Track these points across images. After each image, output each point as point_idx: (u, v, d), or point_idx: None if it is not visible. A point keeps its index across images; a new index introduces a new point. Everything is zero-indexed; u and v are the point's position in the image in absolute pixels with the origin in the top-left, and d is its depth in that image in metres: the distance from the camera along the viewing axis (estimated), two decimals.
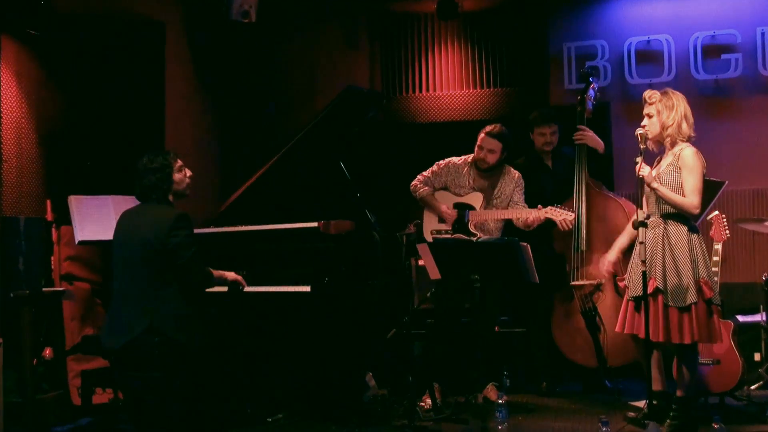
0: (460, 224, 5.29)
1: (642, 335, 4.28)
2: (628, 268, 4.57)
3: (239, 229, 5.17)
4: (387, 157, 6.74)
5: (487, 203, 5.37)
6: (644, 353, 4.37)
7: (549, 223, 5.35)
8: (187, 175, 4.35)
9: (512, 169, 5.46)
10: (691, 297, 4.27)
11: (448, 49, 6.88)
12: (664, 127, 4.36)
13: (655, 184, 4.33)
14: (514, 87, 6.73)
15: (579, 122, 5.55)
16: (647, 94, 4.46)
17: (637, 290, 4.34)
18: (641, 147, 4.32)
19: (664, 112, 4.38)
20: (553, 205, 5.14)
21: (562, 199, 5.41)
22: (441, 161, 5.55)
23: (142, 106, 5.98)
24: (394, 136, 6.85)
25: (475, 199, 5.39)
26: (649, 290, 4.26)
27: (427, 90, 6.92)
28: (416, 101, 6.93)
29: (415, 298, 5.31)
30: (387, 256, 5.09)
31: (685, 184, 4.33)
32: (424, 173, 5.55)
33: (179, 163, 4.30)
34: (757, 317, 5.32)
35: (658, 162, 4.51)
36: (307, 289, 4.68)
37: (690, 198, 4.30)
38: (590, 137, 5.48)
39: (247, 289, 4.66)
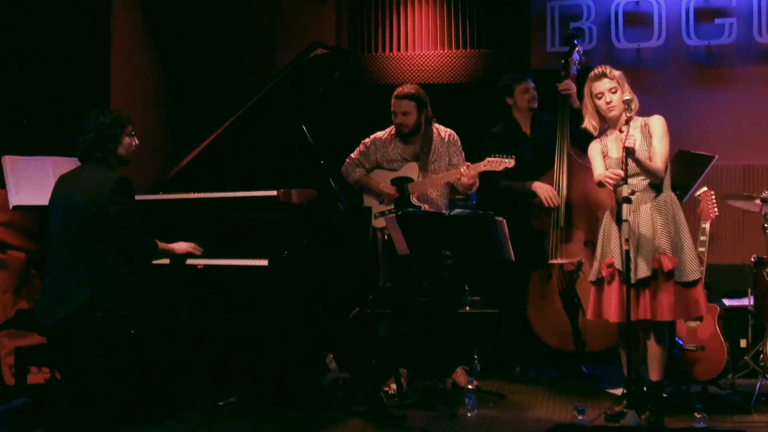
0: (401, 200, 5.30)
1: (632, 317, 4.33)
2: (606, 251, 4.55)
3: (191, 196, 5.12)
4: (354, 121, 6.71)
5: (425, 171, 5.37)
6: (627, 337, 4.44)
7: (527, 195, 5.39)
8: (135, 143, 4.34)
9: (442, 128, 5.45)
10: (698, 270, 4.45)
11: (422, 4, 6.84)
12: (626, 102, 4.42)
13: (638, 155, 4.38)
14: (493, 48, 6.72)
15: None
16: (605, 68, 4.52)
17: (639, 272, 4.36)
18: (627, 115, 4.37)
19: (625, 85, 4.54)
20: (492, 156, 5.12)
21: (542, 170, 5.45)
22: (366, 139, 5.55)
23: (84, 58, 5.88)
24: (361, 98, 6.82)
25: (411, 170, 5.38)
26: (660, 267, 4.36)
27: (398, 49, 6.89)
28: (386, 61, 6.91)
29: (381, 275, 5.33)
30: (352, 229, 5.09)
31: (658, 150, 4.47)
32: (352, 155, 5.54)
33: (130, 127, 4.28)
34: (744, 301, 5.42)
35: (606, 135, 4.64)
36: (264, 262, 4.66)
37: (661, 165, 4.47)
38: (575, 94, 5.48)
39: (199, 262, 4.65)
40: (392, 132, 5.47)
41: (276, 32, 7.00)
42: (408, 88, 5.39)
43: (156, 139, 6.53)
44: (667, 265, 4.36)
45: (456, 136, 5.44)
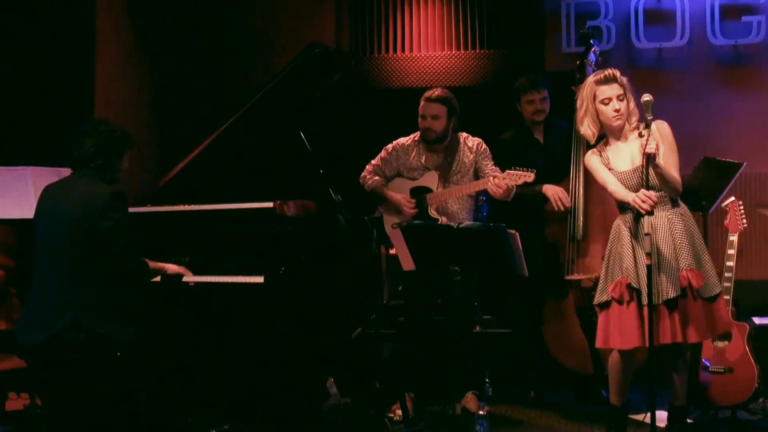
0: (419, 212, 5.29)
1: (655, 342, 4.29)
2: (617, 270, 4.50)
3: (181, 208, 5.12)
4: (355, 128, 6.72)
5: (445, 181, 5.37)
6: (651, 363, 4.39)
7: (538, 200, 5.37)
8: (125, 165, 4.37)
9: (470, 137, 5.46)
10: (719, 283, 4.41)
11: (427, 2, 6.86)
12: (646, 104, 4.37)
13: (659, 161, 4.34)
14: (504, 49, 6.74)
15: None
16: (615, 72, 4.46)
17: (666, 293, 4.31)
18: (648, 118, 4.30)
19: (630, 94, 4.46)
20: (512, 169, 5.07)
21: (556, 180, 5.44)
22: (389, 145, 5.53)
23: (67, 63, 5.90)
24: (363, 103, 6.84)
25: (431, 180, 5.38)
26: (687, 284, 4.30)
27: (403, 50, 6.90)
28: (390, 63, 6.92)
29: (385, 293, 5.32)
30: (354, 244, 5.08)
31: (671, 158, 4.40)
32: (373, 162, 5.54)
33: (130, 152, 4.33)
34: None
35: (604, 146, 4.54)
36: (260, 279, 4.65)
37: (678, 175, 4.40)
38: None
39: (190, 279, 4.64)
40: (416, 138, 5.47)
41: (273, 34, 7.02)
42: (440, 92, 5.39)
43: (144, 148, 6.53)
44: (698, 282, 4.31)
45: (484, 146, 5.44)
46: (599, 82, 4.43)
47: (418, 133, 5.47)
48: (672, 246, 4.35)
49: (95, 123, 4.32)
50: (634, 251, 4.37)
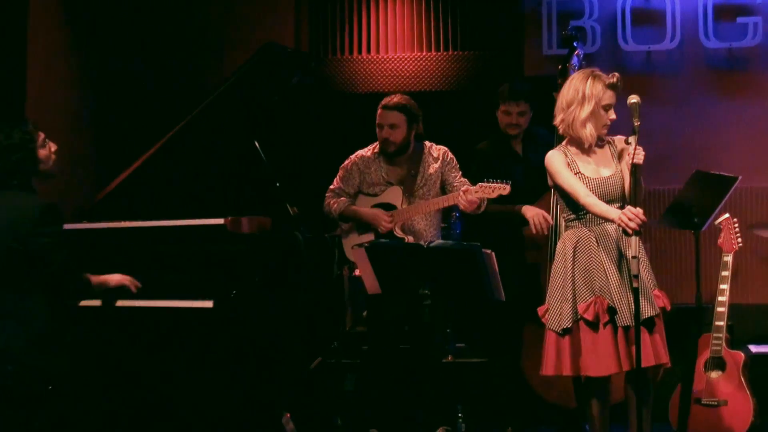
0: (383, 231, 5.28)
1: (626, 367, 4.32)
2: (586, 290, 4.50)
3: (122, 225, 5.09)
4: (316, 136, 6.72)
5: (410, 196, 5.37)
6: (637, 389, 4.42)
7: (516, 221, 5.39)
8: (52, 150, 4.31)
9: (435, 146, 5.46)
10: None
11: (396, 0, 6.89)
12: (634, 106, 4.37)
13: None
14: (480, 51, 6.76)
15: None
16: (619, 77, 4.46)
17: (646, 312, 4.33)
18: (635, 124, 4.30)
19: None
20: (485, 181, 5.09)
21: (537, 194, 5.45)
22: (346, 160, 5.50)
23: None
24: (325, 108, 6.83)
25: (394, 195, 5.36)
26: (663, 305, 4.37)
27: (368, 52, 6.91)
28: (354, 65, 6.93)
29: (347, 318, 5.31)
30: (313, 264, 5.07)
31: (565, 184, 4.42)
32: (332, 185, 5.49)
33: (42, 136, 4.25)
34: None
35: (568, 147, 4.51)
36: (209, 304, 4.63)
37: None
38: None
39: (133, 303, 4.60)
40: (376, 150, 5.46)
41: (226, 32, 7.00)
42: (398, 98, 5.38)
43: (80, 158, 6.48)
44: (666, 301, 4.39)
45: (450, 154, 5.43)
46: (610, 86, 4.39)
47: (377, 144, 5.45)
48: (645, 263, 4.39)
49: None
50: (605, 268, 4.37)
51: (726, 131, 6.37)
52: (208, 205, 4.99)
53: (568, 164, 4.44)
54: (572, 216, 4.47)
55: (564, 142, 4.53)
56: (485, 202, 5.19)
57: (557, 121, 4.49)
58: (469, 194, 5.11)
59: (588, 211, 4.37)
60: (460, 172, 5.41)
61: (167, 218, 4.97)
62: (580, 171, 4.43)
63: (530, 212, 5.38)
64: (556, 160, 4.46)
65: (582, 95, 4.39)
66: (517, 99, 5.59)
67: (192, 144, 5.19)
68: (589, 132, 4.40)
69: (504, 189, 5.05)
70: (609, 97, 4.40)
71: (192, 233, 4.86)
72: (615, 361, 4.31)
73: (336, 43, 6.95)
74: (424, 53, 6.85)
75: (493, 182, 5.07)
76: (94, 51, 6.80)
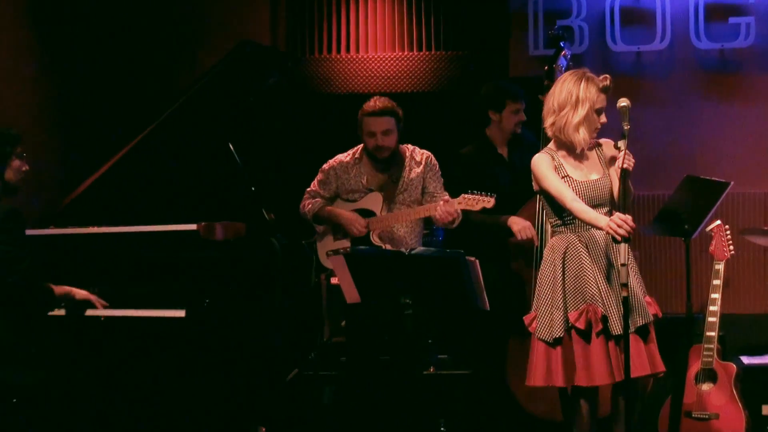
0: (360, 238, 5.26)
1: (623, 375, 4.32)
2: (576, 299, 4.52)
3: (90, 230, 5.08)
4: (294, 139, 6.71)
5: (390, 203, 5.36)
6: (629, 399, 4.42)
7: (502, 232, 5.39)
8: (24, 168, 4.31)
9: (418, 149, 5.41)
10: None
11: None
12: (624, 109, 4.38)
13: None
14: (463, 51, 6.77)
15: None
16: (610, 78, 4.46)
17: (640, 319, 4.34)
18: (625, 128, 4.29)
19: None
20: (469, 192, 5.08)
21: (522, 200, 5.46)
22: (325, 164, 5.44)
23: None
24: (303, 110, 6.83)
25: (374, 202, 5.32)
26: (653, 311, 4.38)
27: (348, 51, 6.91)
28: (333, 65, 6.92)
29: (325, 329, 5.30)
30: (290, 272, 5.06)
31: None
32: (309, 188, 5.45)
33: (20, 148, 4.26)
34: (766, 359, 5.45)
35: (555, 150, 4.50)
36: (181, 314, 4.63)
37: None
38: None
39: (102, 313, 4.58)
40: (356, 155, 5.41)
41: (198, 30, 6.99)
42: (382, 101, 5.28)
43: (46, 161, 6.44)
44: (657, 308, 4.40)
45: (433, 159, 5.39)
46: (603, 89, 4.37)
47: (359, 149, 5.41)
48: (634, 270, 4.39)
49: None
50: (595, 276, 4.37)
51: (718, 135, 6.39)
52: (180, 211, 4.97)
53: (555, 168, 4.42)
54: (559, 222, 4.47)
55: (551, 145, 4.52)
56: (460, 218, 5.17)
57: (547, 124, 4.46)
58: (450, 205, 5.09)
59: (575, 216, 4.38)
60: (442, 181, 5.39)
61: (138, 224, 4.96)
62: (568, 174, 4.42)
63: (516, 225, 5.36)
64: (542, 163, 4.44)
65: (576, 98, 4.35)
66: (523, 97, 5.61)
67: (163, 146, 5.18)
68: (582, 136, 4.37)
69: (488, 202, 5.03)
70: (602, 100, 4.39)
71: (163, 239, 4.86)
72: (608, 372, 4.31)
73: (314, 42, 6.94)
74: (406, 53, 6.85)
75: (477, 194, 5.06)
76: (61, 50, 6.77)
